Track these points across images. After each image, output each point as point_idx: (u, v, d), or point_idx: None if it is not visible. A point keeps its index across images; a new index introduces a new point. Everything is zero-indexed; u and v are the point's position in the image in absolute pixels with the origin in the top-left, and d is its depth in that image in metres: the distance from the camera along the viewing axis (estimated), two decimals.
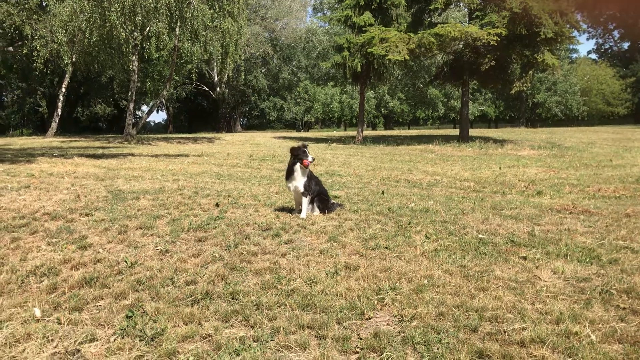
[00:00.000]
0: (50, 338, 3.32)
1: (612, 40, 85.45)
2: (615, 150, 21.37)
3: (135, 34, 23.10)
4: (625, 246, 5.20)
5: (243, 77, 48.94)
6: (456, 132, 34.78)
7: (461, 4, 27.44)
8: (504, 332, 3.30)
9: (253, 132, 48.75)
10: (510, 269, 4.54)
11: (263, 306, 3.71)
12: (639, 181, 11.01)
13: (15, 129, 50.92)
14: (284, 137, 34.01)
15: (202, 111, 65.55)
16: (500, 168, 13.70)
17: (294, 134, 43.31)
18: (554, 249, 5.10)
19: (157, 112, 68.00)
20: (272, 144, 26.73)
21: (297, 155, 6.37)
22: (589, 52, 79.54)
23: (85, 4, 19.38)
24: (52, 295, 4.01)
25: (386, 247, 5.08)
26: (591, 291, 3.96)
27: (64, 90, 33.97)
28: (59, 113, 33.84)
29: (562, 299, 3.83)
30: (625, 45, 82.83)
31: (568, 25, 24.88)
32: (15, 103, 54.21)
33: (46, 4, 27.15)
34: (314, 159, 6.43)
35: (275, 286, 4.08)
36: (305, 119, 62.92)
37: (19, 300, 3.89)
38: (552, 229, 6.03)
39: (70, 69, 31.50)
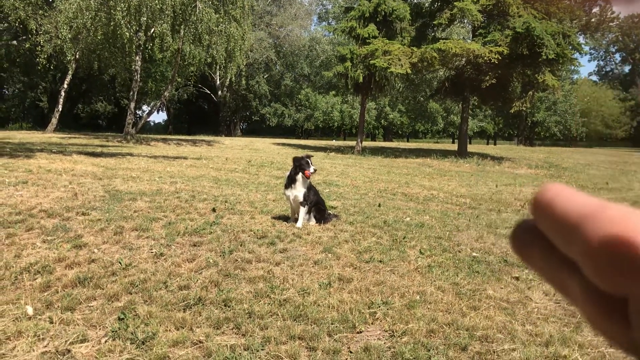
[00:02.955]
0: (41, 337, 3.32)
1: (613, 62, 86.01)
2: (611, 174, 21.47)
3: (140, 34, 23.13)
4: None
5: (245, 82, 49.09)
6: (454, 147, 34.86)
7: (465, 21, 27.59)
8: (494, 352, 3.32)
9: (252, 137, 48.79)
10: (502, 288, 4.56)
11: (255, 315, 3.72)
12: (634, 206, 11.05)
13: (14, 122, 50.84)
14: (284, 144, 34.05)
15: (202, 114, 65.58)
16: (496, 186, 13.75)
17: (294, 141, 43.33)
18: None
19: (158, 112, 68.12)
20: (271, 150, 26.75)
21: (300, 165, 6.41)
22: (589, 74, 79.90)
23: (91, 2, 19.40)
24: (45, 294, 4.01)
25: (380, 261, 5.10)
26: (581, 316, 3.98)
27: (65, 86, 33.98)
28: (60, 109, 33.83)
29: (553, 321, 3.85)
30: (627, 68, 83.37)
31: (570, 47, 25.06)
32: (17, 97, 54.16)
33: (52, 0, 27.21)
34: (315, 170, 6.47)
35: (268, 295, 4.10)
36: (305, 126, 63.01)
37: (12, 297, 3.89)
38: None
39: (73, 65, 31.49)
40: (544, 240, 0.27)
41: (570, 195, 0.26)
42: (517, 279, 4.83)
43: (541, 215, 0.26)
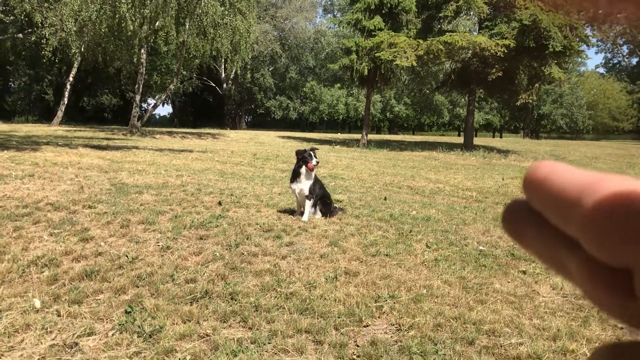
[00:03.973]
0: (49, 330, 3.33)
1: (620, 55, 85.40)
2: (618, 167, 21.37)
3: (145, 27, 23.12)
4: None
5: (250, 75, 49.02)
6: (460, 139, 34.77)
7: (471, 13, 27.45)
8: (501, 346, 3.32)
9: (257, 130, 48.79)
10: (509, 282, 4.55)
11: (262, 308, 3.72)
12: None
13: (20, 115, 50.93)
14: (289, 137, 34.04)
15: (207, 107, 65.55)
16: (503, 179, 13.70)
17: (299, 133, 43.32)
18: None
19: (163, 105, 68.15)
20: (277, 144, 26.75)
21: (303, 158, 6.39)
22: (596, 66, 79.30)
23: None
24: (53, 287, 4.02)
25: (387, 255, 5.09)
26: (589, 309, 3.97)
27: (71, 79, 34.07)
28: (65, 102, 33.94)
29: (560, 315, 3.84)
30: (634, 60, 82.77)
31: (577, 39, 24.90)
32: (22, 90, 54.23)
33: None
34: (318, 162, 6.44)
35: (274, 288, 4.10)
36: (310, 119, 62.97)
37: (20, 290, 3.90)
38: None
39: (78, 58, 31.59)
40: (538, 219, 0.26)
41: (565, 170, 0.25)
42: (524, 272, 4.81)
43: (535, 193, 0.26)
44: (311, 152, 6.40)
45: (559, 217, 0.25)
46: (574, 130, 68.80)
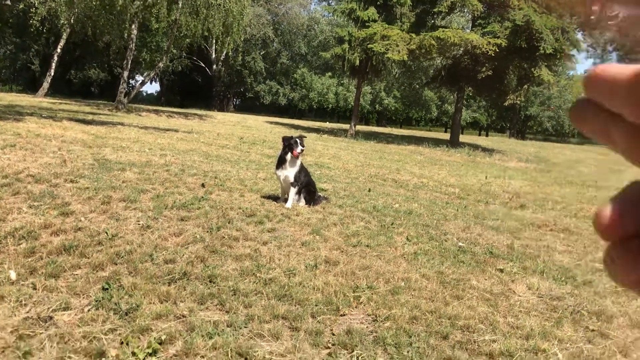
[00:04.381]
0: (23, 302, 3.31)
1: (609, 61, 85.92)
2: (600, 171, 21.61)
3: (137, 2, 22.80)
4: (601, 269, 5.28)
5: (241, 57, 48.66)
6: (447, 136, 34.91)
7: (465, 10, 27.49)
8: (474, 342, 3.36)
9: (245, 114, 48.49)
10: (486, 280, 4.60)
11: (240, 292, 3.72)
12: None
13: (4, 84, 50.15)
14: (276, 123, 33.91)
15: (195, 87, 64.94)
16: (486, 177, 13.79)
17: (287, 120, 43.15)
18: (531, 264, 5.17)
19: (151, 83, 67.51)
20: (264, 129, 26.65)
21: (289, 145, 6.37)
22: (586, 71, 79.48)
23: None
24: (29, 259, 3.99)
25: (367, 246, 5.12)
26: (563, 310, 4.03)
27: (59, 50, 33.51)
28: (52, 74, 33.41)
29: (534, 315, 3.89)
30: None
31: (568, 43, 25.06)
32: (7, 58, 53.37)
33: None
34: (303, 150, 6.40)
35: (253, 273, 4.10)
36: (299, 106, 62.79)
37: None
38: (532, 244, 6.11)
39: (67, 30, 31.07)
40: (595, 107, 0.35)
41: (614, 65, 0.33)
42: (501, 271, 4.86)
43: (592, 84, 0.34)
44: (297, 140, 6.37)
45: (608, 97, 0.33)
46: (560, 133, 69.41)
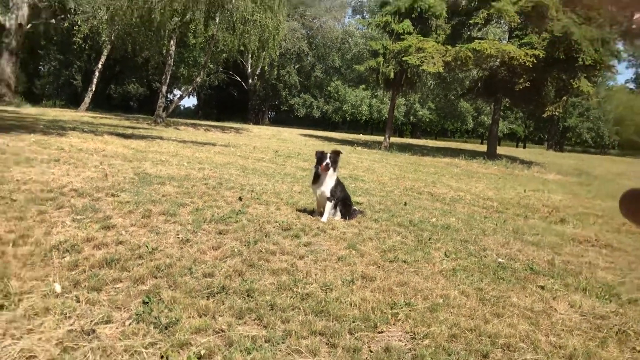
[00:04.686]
0: (67, 315, 3.38)
1: None
2: None
3: (175, 19, 23.31)
4: None
5: (276, 71, 49.17)
6: (483, 148, 34.49)
7: (502, 22, 27.21)
8: None
9: (280, 126, 48.89)
10: (527, 297, 4.50)
11: (277, 307, 3.73)
12: None
13: (48, 99, 51.69)
14: (311, 135, 34.08)
15: (232, 100, 65.85)
16: (525, 190, 13.56)
17: (321, 132, 43.33)
18: (573, 281, 5.05)
19: (188, 97, 68.60)
20: (299, 141, 26.80)
21: (319, 159, 6.40)
22: (626, 81, 77.67)
23: None
24: (73, 272, 4.08)
25: (404, 261, 5.07)
26: (608, 330, 3.91)
27: (100, 66, 34.52)
28: (93, 89, 34.41)
29: (578, 334, 3.79)
30: None
31: (608, 53, 24.54)
32: (52, 74, 55.13)
33: None
34: (328, 164, 6.35)
35: (290, 288, 4.10)
36: (333, 118, 62.98)
37: (41, 273, 3.96)
38: (573, 260, 5.97)
39: (108, 46, 32.00)
40: None
41: None
42: (542, 287, 4.76)
43: None
44: (327, 154, 6.38)
45: None
46: (600, 145, 67.82)
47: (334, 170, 6.43)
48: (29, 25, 32.75)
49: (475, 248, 5.93)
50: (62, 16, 32.87)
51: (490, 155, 27.38)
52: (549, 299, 4.50)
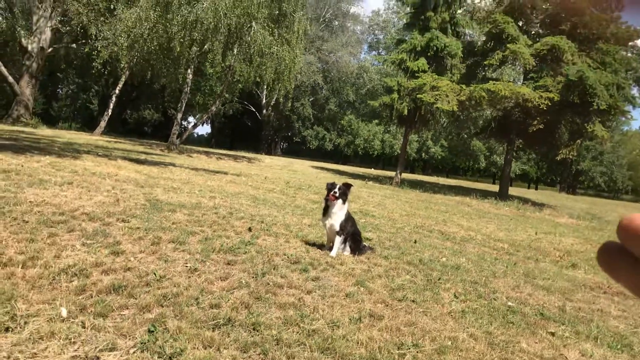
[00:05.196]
0: (72, 340, 3.35)
1: None
2: None
3: (194, 48, 23.70)
4: None
5: (290, 103, 49.61)
6: (495, 187, 34.34)
7: (517, 64, 27.40)
8: None
9: (292, 157, 49.09)
10: (536, 343, 4.41)
11: (283, 342, 3.68)
12: None
13: (65, 121, 52.49)
14: (322, 168, 34.16)
15: (245, 130, 66.48)
16: (536, 233, 13.44)
17: (332, 165, 43.43)
18: (584, 329, 4.95)
19: (203, 125, 69.37)
20: (310, 173, 26.86)
21: (329, 189, 6.40)
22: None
23: (151, 14, 19.99)
24: (80, 297, 4.06)
25: (413, 301, 5.01)
26: None
27: (117, 91, 35.04)
28: (109, 113, 34.85)
29: None
30: None
31: (623, 99, 24.56)
32: (69, 97, 56.15)
33: (114, 8, 28.17)
34: (336, 193, 6.34)
35: (297, 323, 4.06)
36: (345, 152, 63.22)
37: (48, 297, 3.95)
38: (584, 307, 5.87)
39: (126, 72, 32.52)
40: (628, 257, 0.36)
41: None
42: (552, 334, 4.67)
43: (629, 236, 0.36)
44: (337, 185, 6.38)
45: (636, 245, 0.34)
46: (613, 189, 67.35)
47: (343, 202, 6.41)
48: (50, 49, 33.45)
49: (485, 290, 5.86)
50: (83, 41, 33.53)
51: (502, 195, 27.25)
52: (559, 346, 4.41)
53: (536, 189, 67.61)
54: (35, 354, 3.15)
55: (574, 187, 68.26)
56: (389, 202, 16.33)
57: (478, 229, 12.43)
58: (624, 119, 32.12)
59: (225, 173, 17.69)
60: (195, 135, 77.00)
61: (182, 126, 47.48)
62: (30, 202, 6.70)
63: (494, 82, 23.75)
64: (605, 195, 65.71)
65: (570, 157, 26.45)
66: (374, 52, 69.18)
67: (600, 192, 68.34)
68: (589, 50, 24.77)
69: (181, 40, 20.57)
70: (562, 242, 12.36)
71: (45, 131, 27.33)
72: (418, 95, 24.69)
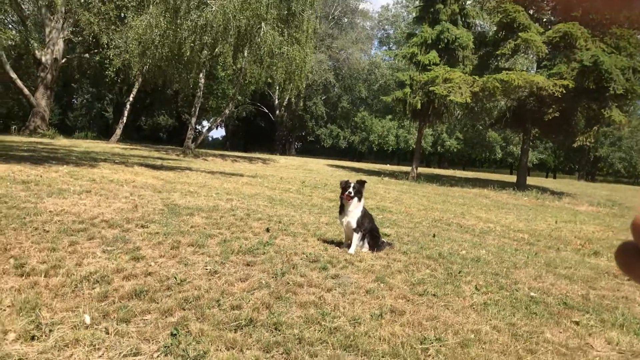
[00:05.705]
0: (97, 347, 3.38)
1: None
2: None
3: (205, 52, 23.83)
4: None
5: (303, 102, 49.69)
6: (512, 178, 34.07)
7: (530, 52, 27.12)
8: None
9: (306, 157, 49.13)
10: (561, 332, 4.37)
11: (305, 341, 3.68)
12: None
13: (81, 131, 53.08)
14: (337, 166, 34.13)
15: (259, 131, 66.68)
16: (556, 222, 13.29)
17: (347, 163, 43.41)
18: (609, 317, 4.89)
19: (217, 128, 69.70)
20: (325, 172, 26.86)
21: (344, 188, 6.38)
22: None
23: (161, 20, 20.14)
24: (103, 304, 4.10)
25: (434, 295, 4.99)
26: None
27: (131, 99, 35.37)
28: (124, 121, 35.19)
29: None
30: None
31: None
32: (84, 107, 56.76)
33: (124, 16, 28.44)
34: (350, 193, 6.32)
35: (318, 322, 4.06)
36: (360, 149, 63.12)
37: (72, 304, 4.00)
38: (608, 294, 5.79)
39: (139, 79, 32.81)
40: None
41: None
42: (577, 323, 4.61)
43: (637, 231, 0.36)
44: (350, 184, 6.36)
45: None
46: (632, 174, 66.44)
47: (359, 200, 6.40)
48: (63, 60, 33.83)
49: (507, 281, 5.81)
50: (96, 50, 33.92)
51: (520, 185, 27.01)
52: (584, 335, 4.36)
53: (554, 177, 66.94)
54: None
55: (593, 174, 67.48)
56: (405, 197, 16.26)
57: (497, 220, 12.33)
58: None
59: (241, 175, 17.76)
60: (210, 138, 77.26)
61: (197, 130, 47.72)
62: (50, 211, 6.78)
63: (507, 72, 23.52)
64: (625, 181, 64.81)
65: (588, 143, 26.10)
66: (384, 48, 69.05)
67: (619, 178, 67.41)
68: (603, 35, 24.41)
69: (192, 44, 20.71)
70: (583, 230, 12.21)
71: (62, 141, 27.66)
72: (431, 88, 24.56)
